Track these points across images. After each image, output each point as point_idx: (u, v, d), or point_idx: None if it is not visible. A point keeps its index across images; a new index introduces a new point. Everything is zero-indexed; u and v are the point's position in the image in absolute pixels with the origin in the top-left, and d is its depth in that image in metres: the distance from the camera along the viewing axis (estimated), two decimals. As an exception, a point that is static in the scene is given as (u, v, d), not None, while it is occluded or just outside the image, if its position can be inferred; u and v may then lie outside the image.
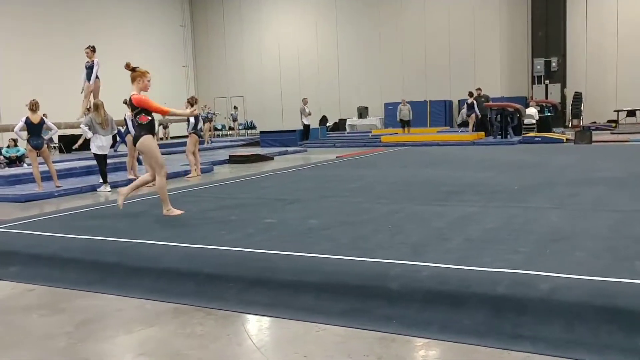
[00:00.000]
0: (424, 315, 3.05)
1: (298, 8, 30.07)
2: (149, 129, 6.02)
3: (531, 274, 3.25)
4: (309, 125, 21.40)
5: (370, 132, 23.39)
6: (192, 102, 11.75)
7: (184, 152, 12.59)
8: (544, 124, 18.85)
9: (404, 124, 21.81)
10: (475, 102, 19.20)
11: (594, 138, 16.21)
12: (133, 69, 5.95)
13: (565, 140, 16.44)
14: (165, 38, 31.14)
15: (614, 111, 23.19)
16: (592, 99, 23.73)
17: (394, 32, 27.70)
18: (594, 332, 2.70)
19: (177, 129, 26.95)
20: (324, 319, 3.22)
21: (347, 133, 25.58)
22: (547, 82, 23.89)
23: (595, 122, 22.59)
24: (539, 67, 23.96)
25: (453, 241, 4.31)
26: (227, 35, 31.97)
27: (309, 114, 21.39)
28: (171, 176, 11.32)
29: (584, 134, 15.63)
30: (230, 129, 30.54)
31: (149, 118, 6.00)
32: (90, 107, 10.89)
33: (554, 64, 23.76)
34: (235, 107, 29.68)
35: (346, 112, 28.10)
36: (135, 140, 6.08)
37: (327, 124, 27.67)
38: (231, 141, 23.94)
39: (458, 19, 26.27)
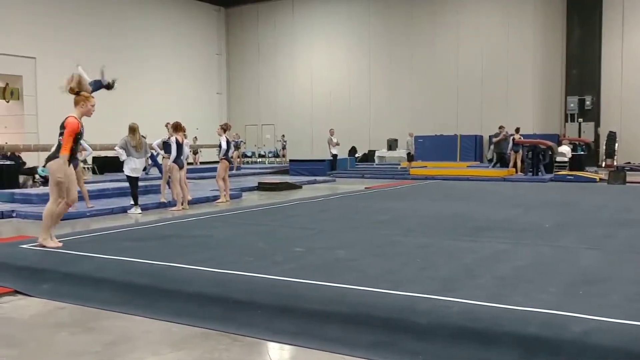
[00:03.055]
0: (452, 351, 3.01)
1: (331, 42, 30.43)
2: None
3: (564, 314, 3.19)
4: (336, 155, 21.56)
5: (399, 164, 23.35)
6: (225, 127, 11.91)
7: (214, 177, 12.72)
8: (576, 163, 18.62)
9: (409, 157, 21.99)
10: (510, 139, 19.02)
11: (629, 178, 15.92)
12: (77, 93, 5.74)
13: (598, 180, 16.18)
14: (201, 65, 31.77)
15: (650, 152, 22.81)
16: (627, 139, 23.38)
17: (426, 66, 27.80)
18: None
19: (208, 154, 27.28)
20: (350, 350, 3.19)
21: (376, 164, 25.57)
22: (580, 120, 23.65)
23: (629, 163, 22.22)
24: (572, 105, 23.75)
25: (482, 278, 4.26)
26: (260, 65, 32.47)
27: (337, 144, 21.61)
28: (201, 201, 11.45)
29: (618, 174, 15.38)
30: (276, 156, 30.82)
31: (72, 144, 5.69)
32: None
33: (587, 103, 23.53)
34: (283, 136, 30.10)
35: (376, 144, 28.15)
36: (49, 159, 5.74)
37: (356, 155, 27.73)
38: (260, 168, 24.13)
39: (491, 54, 26.27)
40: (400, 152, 26.09)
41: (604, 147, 23.32)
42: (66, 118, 5.69)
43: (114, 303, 4.22)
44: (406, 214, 8.57)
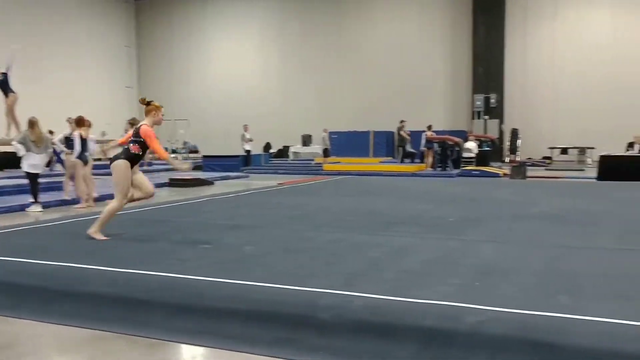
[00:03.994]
0: (353, 346, 3.01)
1: (245, 37, 30.12)
2: (131, 158, 5.93)
3: (461, 306, 3.26)
4: (250, 151, 21.48)
5: (313, 160, 23.48)
6: (133, 122, 11.48)
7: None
8: (482, 158, 19.36)
9: (325, 152, 22.22)
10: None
11: (529, 174, 16.74)
12: (148, 103, 6.08)
13: (502, 175, 16.91)
14: (109, 58, 30.57)
15: (548, 148, 24.06)
16: (528, 136, 24.55)
17: (339, 62, 28.08)
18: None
19: (118, 150, 26.32)
20: (251, 348, 3.14)
21: (290, 160, 25.61)
22: (486, 117, 24.63)
23: (530, 158, 23.34)
24: (478, 102, 24.70)
25: (388, 272, 4.31)
26: (174, 58, 31.66)
27: (250, 140, 21.55)
28: (109, 197, 10.99)
29: (519, 170, 16.13)
30: (191, 151, 29.98)
31: (140, 152, 5.96)
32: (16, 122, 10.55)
33: (492, 100, 24.54)
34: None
35: (290, 140, 28.15)
36: (114, 159, 5.99)
37: (271, 151, 27.63)
38: (173, 164, 23.54)
39: (402, 52, 26.87)
40: (315, 148, 26.23)
41: (508, 144, 24.40)
42: (140, 127, 5.96)
43: (1, 307, 3.94)
44: (318, 209, 8.59)
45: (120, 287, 3.93)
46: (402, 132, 20.58)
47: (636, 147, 15.40)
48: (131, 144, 5.97)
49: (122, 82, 31.51)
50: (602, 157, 15.17)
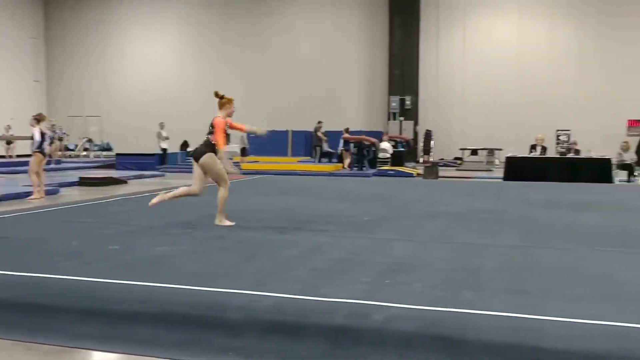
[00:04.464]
0: (262, 346, 3.01)
1: (162, 32, 29.41)
2: (212, 148, 6.63)
3: (370, 304, 3.33)
4: (166, 150, 21.04)
5: (231, 159, 23.22)
6: (39, 118, 11.00)
7: (27, 172, 11.68)
8: (397, 159, 19.82)
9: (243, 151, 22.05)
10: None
11: (441, 174, 17.31)
12: (221, 97, 6.72)
13: (415, 175, 17.40)
14: (13, 50, 28.97)
15: (460, 149, 24.97)
16: (441, 137, 25.35)
17: (258, 61, 27.96)
18: (422, 360, 2.82)
19: (23, 147, 25.04)
20: (159, 351, 3.07)
21: (209, 159, 25.23)
22: (401, 118, 25.25)
23: (443, 159, 24.12)
24: (394, 104, 25.30)
25: (300, 271, 4.34)
26: (87, 52, 30.42)
27: (166, 138, 21.11)
28: (11, 197, 10.46)
29: (432, 170, 16.64)
30: (103, 149, 28.79)
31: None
32: None
33: (407, 102, 25.20)
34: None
35: (209, 138, 27.74)
36: (199, 155, 6.65)
37: (188, 149, 27.12)
38: (85, 162, 22.68)
39: (321, 52, 27.09)
40: (233, 147, 25.97)
41: (422, 144, 25.12)
42: (213, 119, 6.68)
43: None
44: (233, 208, 8.50)
45: (19, 292, 3.74)
46: (318, 133, 20.74)
47: (538, 148, 16.24)
48: (210, 135, 6.68)
49: (29, 76, 29.99)
50: (508, 158, 15.91)
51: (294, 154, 25.67)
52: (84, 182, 13.82)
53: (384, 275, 4.23)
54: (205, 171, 6.70)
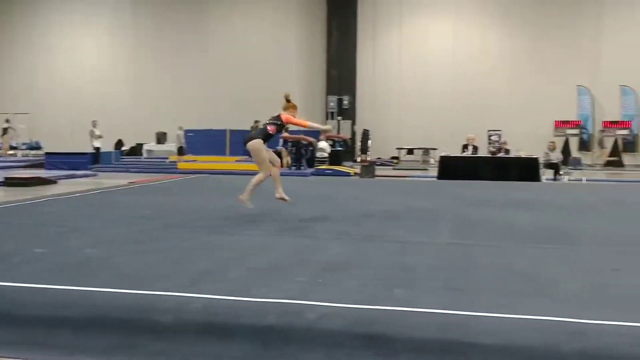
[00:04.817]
0: (194, 348, 2.97)
1: (92, 25, 28.61)
2: (265, 137, 7.37)
3: (302, 303, 3.34)
4: (99, 148, 20.46)
5: (168, 158, 22.84)
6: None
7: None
8: (335, 158, 19.98)
9: (180, 151, 21.74)
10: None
11: (378, 173, 17.56)
12: (288, 100, 7.68)
13: (353, 174, 17.58)
14: None
15: (397, 148, 25.39)
16: (378, 136, 25.73)
17: (195, 59, 27.60)
18: (352, 358, 2.84)
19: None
20: (84, 357, 2.97)
21: (144, 158, 24.72)
22: (339, 118, 25.46)
23: (380, 158, 24.48)
24: (332, 103, 25.49)
25: (235, 271, 4.30)
26: (12, 46, 29.20)
27: (99, 137, 20.55)
28: None
29: (368, 169, 16.86)
30: (32, 148, 27.44)
31: (274, 133, 7.48)
32: None
33: (345, 102, 25.44)
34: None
35: (144, 137, 27.14)
36: (249, 139, 7.35)
37: (123, 148, 26.47)
38: (12, 162, 21.76)
39: (258, 50, 26.96)
40: (170, 146, 25.54)
41: (359, 144, 25.41)
42: (281, 115, 7.51)
43: None
44: (169, 209, 8.36)
45: None
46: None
47: (470, 148, 16.73)
48: (269, 126, 7.38)
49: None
50: (442, 157, 16.31)
51: (232, 154, 25.44)
52: (9, 182, 13.27)
53: (319, 274, 4.24)
54: (251, 155, 7.49)
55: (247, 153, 25.45)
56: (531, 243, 5.80)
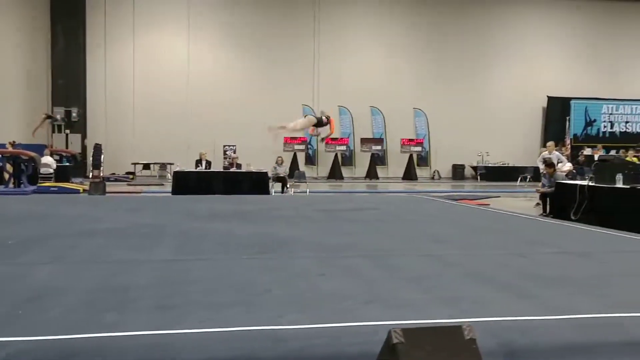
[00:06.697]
0: None
1: None
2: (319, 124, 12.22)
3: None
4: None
5: None
6: None
7: None
8: (62, 174, 18.66)
9: None
10: None
11: (112, 189, 16.83)
12: (327, 118, 11.99)
13: (82, 191, 16.59)
14: None
15: (132, 164, 24.61)
16: (114, 151, 24.64)
17: None
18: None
19: None
20: None
21: None
22: (67, 131, 23.81)
23: (114, 174, 23.48)
24: (59, 116, 23.72)
25: None
26: None
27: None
28: None
29: (98, 185, 16.06)
30: None
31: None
32: None
33: (74, 114, 23.91)
34: None
35: None
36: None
37: None
38: None
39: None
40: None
41: (91, 159, 24.04)
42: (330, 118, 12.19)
43: None
44: None
45: None
46: None
47: (203, 162, 17.10)
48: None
49: None
50: (175, 172, 16.35)
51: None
52: None
53: (20, 305, 3.89)
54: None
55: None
56: (249, 254, 6.08)
